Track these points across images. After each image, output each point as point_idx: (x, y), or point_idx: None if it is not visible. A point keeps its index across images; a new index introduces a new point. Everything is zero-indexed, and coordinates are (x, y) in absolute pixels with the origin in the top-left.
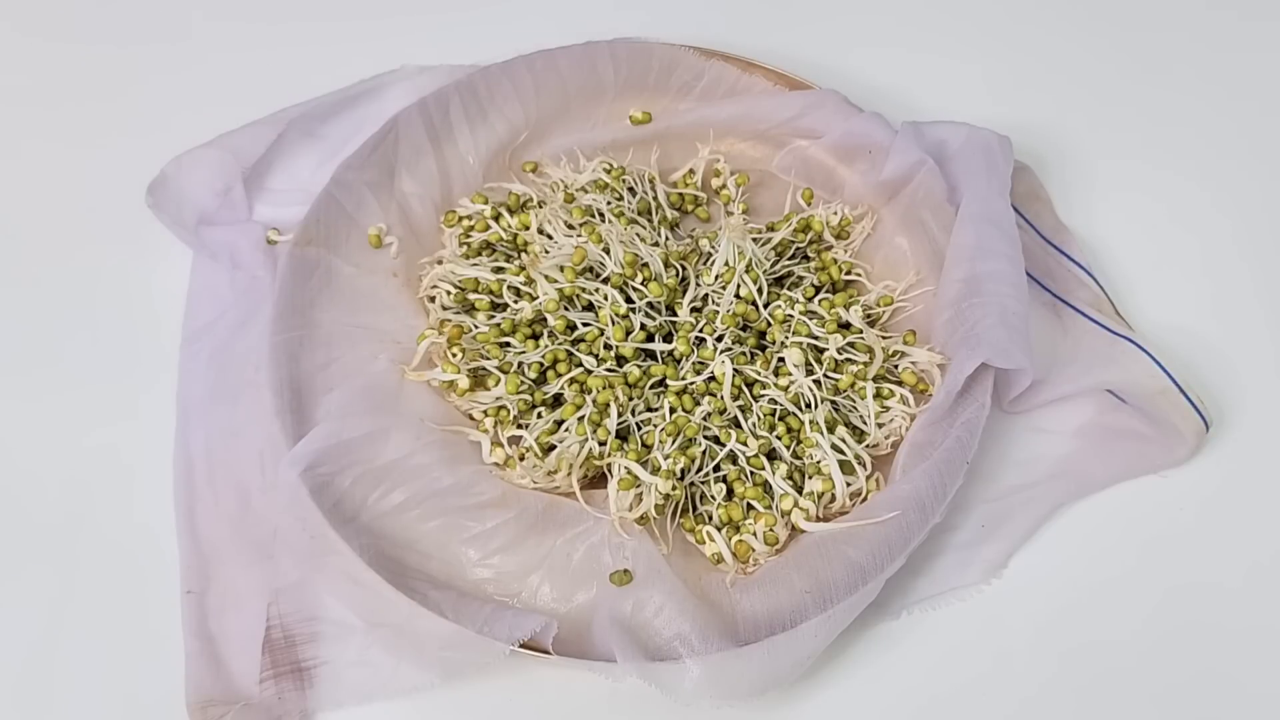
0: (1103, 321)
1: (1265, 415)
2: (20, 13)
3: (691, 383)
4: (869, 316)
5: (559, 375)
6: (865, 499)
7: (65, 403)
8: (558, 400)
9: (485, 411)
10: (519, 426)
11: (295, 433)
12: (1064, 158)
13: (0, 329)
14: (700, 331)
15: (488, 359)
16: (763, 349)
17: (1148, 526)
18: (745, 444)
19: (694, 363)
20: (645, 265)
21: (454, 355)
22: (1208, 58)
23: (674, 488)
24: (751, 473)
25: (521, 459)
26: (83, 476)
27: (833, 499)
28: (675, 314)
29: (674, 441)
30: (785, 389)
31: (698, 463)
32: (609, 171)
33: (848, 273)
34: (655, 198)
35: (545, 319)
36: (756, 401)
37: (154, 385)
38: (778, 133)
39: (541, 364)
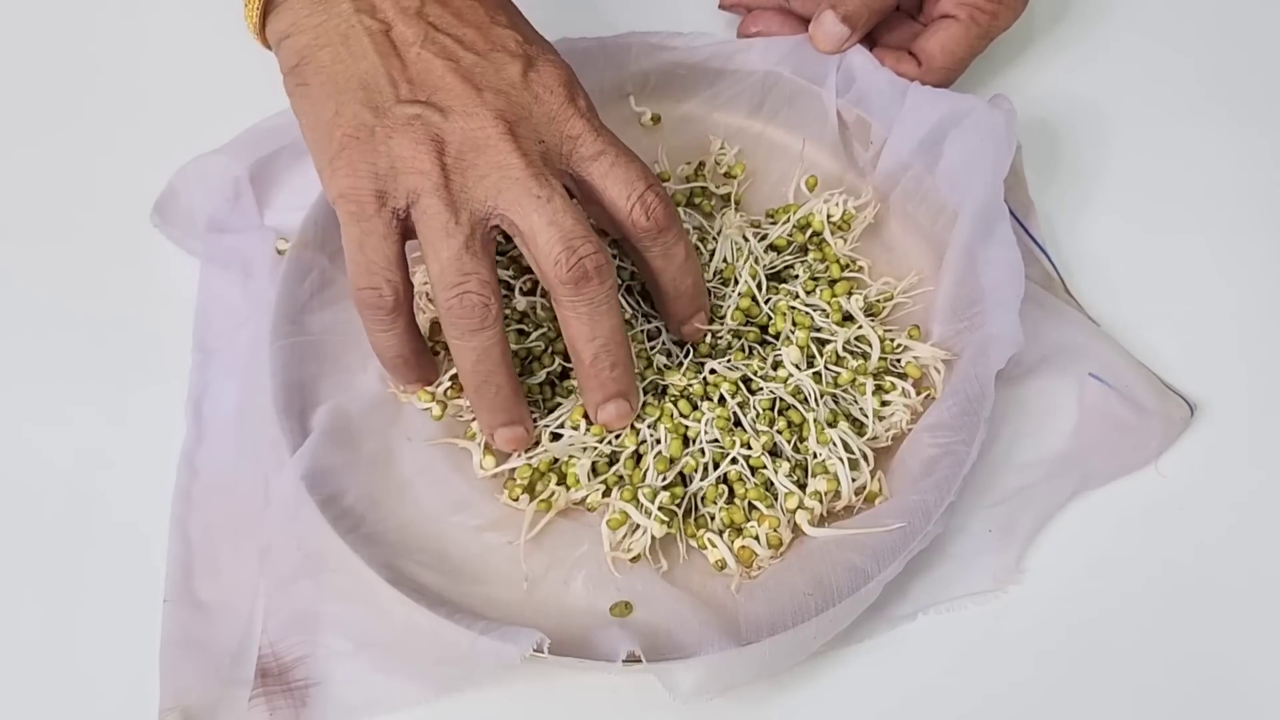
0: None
1: (1260, 403)
2: (23, 12)
3: (691, 383)
4: (869, 311)
5: (544, 366)
6: (868, 497)
7: (64, 406)
8: (545, 396)
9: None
10: None
11: (295, 445)
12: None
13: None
14: None
15: None
16: (764, 343)
17: (1143, 524)
18: (749, 446)
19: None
20: None
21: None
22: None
23: (668, 524)
24: (753, 471)
25: (505, 484)
26: (81, 478)
27: (837, 496)
28: None
29: (667, 477)
30: (785, 381)
31: (699, 471)
32: None
33: (847, 267)
34: None
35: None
36: (754, 395)
37: (155, 392)
38: None
39: (522, 359)
